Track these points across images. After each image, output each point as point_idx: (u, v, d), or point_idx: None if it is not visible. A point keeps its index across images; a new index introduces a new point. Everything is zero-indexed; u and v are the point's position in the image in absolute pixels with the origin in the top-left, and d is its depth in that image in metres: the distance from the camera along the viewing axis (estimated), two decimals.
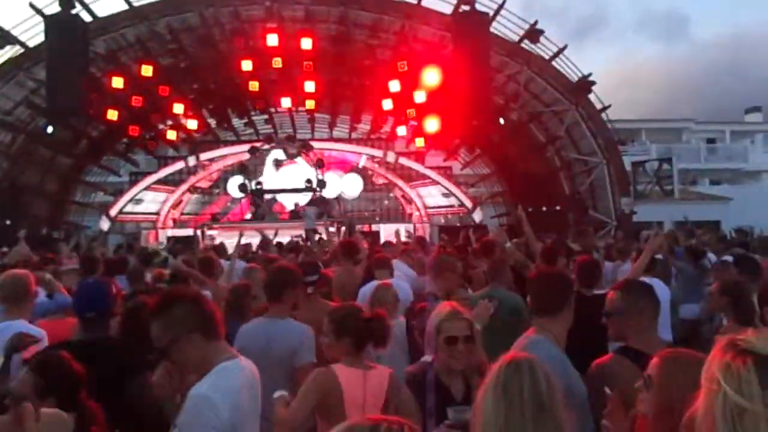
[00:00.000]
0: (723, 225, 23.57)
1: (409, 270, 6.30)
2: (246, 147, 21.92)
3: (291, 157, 21.85)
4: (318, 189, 21.11)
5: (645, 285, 2.96)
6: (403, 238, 14.61)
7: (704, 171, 33.64)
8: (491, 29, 14.82)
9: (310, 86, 16.48)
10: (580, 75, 16.19)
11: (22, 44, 15.09)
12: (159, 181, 22.97)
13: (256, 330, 3.55)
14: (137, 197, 22.52)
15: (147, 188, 22.68)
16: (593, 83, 16.14)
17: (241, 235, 7.76)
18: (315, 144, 22.43)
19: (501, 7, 14.85)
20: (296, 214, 19.63)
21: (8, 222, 15.33)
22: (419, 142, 20.14)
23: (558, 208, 16.99)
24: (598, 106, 16.68)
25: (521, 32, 15.54)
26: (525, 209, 14.19)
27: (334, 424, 1.33)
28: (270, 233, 10.37)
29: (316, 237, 13.48)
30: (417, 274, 6.31)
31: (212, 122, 20.93)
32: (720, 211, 25.99)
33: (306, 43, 14.98)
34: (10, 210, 15.87)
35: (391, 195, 24.08)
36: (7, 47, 14.91)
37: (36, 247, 11.92)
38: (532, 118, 17.68)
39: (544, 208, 16.72)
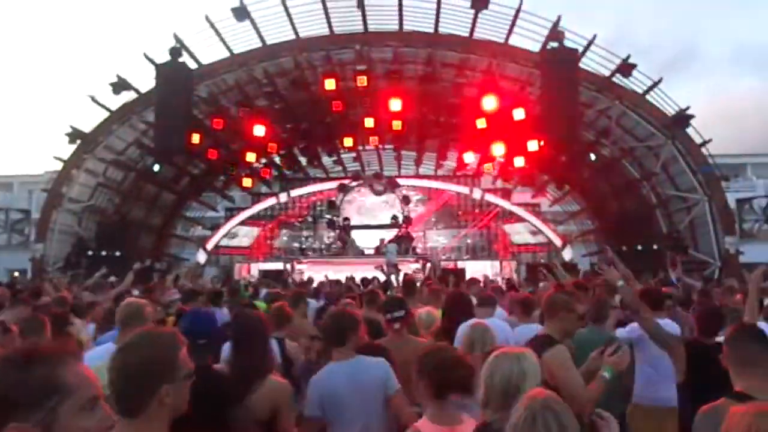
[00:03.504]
0: None
1: (500, 309, 6.16)
2: (335, 184, 22.58)
3: (378, 193, 22.26)
4: (403, 225, 21.31)
5: (753, 330, 2.78)
6: (490, 276, 14.41)
7: None
8: (580, 65, 14.60)
9: (397, 125, 16.81)
10: (675, 109, 15.54)
11: (136, 90, 16.46)
12: (252, 217, 24.03)
13: (340, 372, 3.44)
14: (232, 231, 23.65)
15: (241, 223, 23.78)
16: (691, 116, 15.42)
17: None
18: (401, 181, 22.76)
19: (591, 42, 14.62)
20: (378, 250, 19.92)
21: (118, 253, 16.51)
22: (506, 178, 19.98)
23: (655, 247, 16.14)
24: (697, 141, 15.87)
25: (611, 67, 15.19)
26: (619, 248, 13.67)
27: None
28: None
29: (401, 273, 13.55)
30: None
31: (303, 160, 21.75)
32: None
33: (394, 82, 15.36)
34: (121, 242, 17.10)
35: (477, 232, 23.85)
36: (123, 93, 16.29)
37: (141, 278, 12.75)
38: (624, 154, 17.08)
39: (640, 247, 15.93)
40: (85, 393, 1.37)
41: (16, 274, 18.67)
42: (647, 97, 15.68)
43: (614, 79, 15.41)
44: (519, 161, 17.08)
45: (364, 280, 11.20)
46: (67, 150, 17.16)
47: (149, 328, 2.18)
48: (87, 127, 17.05)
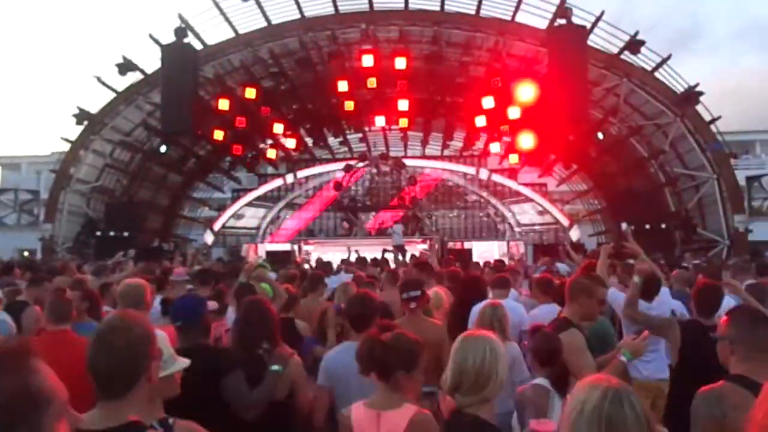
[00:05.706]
0: None
1: (513, 291, 6.20)
2: (341, 165, 22.56)
3: (384, 174, 22.23)
4: (411, 206, 21.31)
5: (760, 313, 2.75)
6: (496, 257, 14.40)
7: None
8: (588, 42, 14.44)
9: (403, 105, 16.72)
10: (684, 86, 15.37)
11: (142, 71, 16.42)
12: (259, 198, 24.09)
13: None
14: (239, 212, 23.72)
15: (248, 204, 23.84)
16: (701, 93, 15.26)
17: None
18: (408, 161, 22.70)
19: (598, 19, 14.44)
20: (384, 231, 19.96)
21: (126, 234, 16.61)
22: (513, 158, 19.88)
23: (663, 226, 16.08)
24: (706, 118, 15.72)
25: (620, 44, 15.02)
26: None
27: None
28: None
29: (408, 254, 13.58)
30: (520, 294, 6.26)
31: (309, 141, 21.71)
32: None
33: (400, 63, 15.23)
34: (129, 223, 17.18)
35: (484, 212, 23.82)
36: (129, 74, 16.25)
37: (148, 258, 12.82)
38: (632, 132, 16.95)
39: (648, 226, 15.88)
40: (62, 397, 1.18)
41: (26, 253, 18.83)
42: (655, 74, 15.52)
43: (622, 56, 15.25)
44: (526, 141, 16.99)
45: (374, 261, 11.23)
46: (75, 131, 17.23)
47: (125, 311, 2.21)
48: (94, 108, 17.08)
